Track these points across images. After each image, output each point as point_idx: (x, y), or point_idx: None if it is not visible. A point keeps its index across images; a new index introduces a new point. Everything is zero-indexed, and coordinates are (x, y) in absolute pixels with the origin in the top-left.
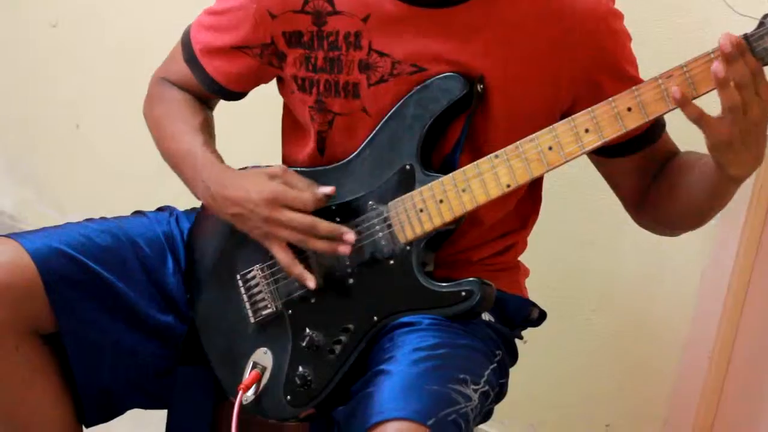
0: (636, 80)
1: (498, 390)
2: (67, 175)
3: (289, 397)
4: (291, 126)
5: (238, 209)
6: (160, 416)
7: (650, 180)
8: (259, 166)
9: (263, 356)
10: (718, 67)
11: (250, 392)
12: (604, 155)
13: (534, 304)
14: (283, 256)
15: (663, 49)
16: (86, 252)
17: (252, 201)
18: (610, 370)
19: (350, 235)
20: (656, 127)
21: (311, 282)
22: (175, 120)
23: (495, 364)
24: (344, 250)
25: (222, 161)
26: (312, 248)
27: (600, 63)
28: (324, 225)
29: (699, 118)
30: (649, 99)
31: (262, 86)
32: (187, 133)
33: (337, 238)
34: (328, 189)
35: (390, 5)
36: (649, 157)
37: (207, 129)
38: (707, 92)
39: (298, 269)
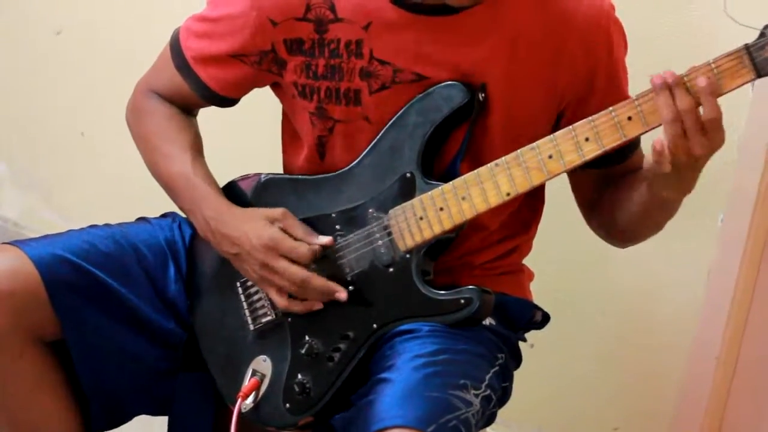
0: (624, 92)
1: (501, 393)
2: (72, 182)
3: (288, 404)
4: (290, 132)
5: (236, 250)
6: (164, 422)
7: (604, 190)
8: (259, 174)
9: (262, 364)
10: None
11: (249, 400)
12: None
13: (537, 307)
14: (279, 300)
15: (663, 60)
16: (89, 259)
17: (250, 245)
18: (617, 373)
19: (342, 294)
20: (627, 148)
21: (318, 307)
22: (167, 138)
23: (497, 368)
24: (341, 297)
25: (215, 184)
26: (292, 308)
27: (596, 72)
28: (316, 282)
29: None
30: (649, 108)
31: (264, 92)
32: (181, 155)
33: (329, 295)
34: (325, 240)
35: (391, 13)
36: (613, 173)
37: (198, 148)
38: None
39: (298, 307)
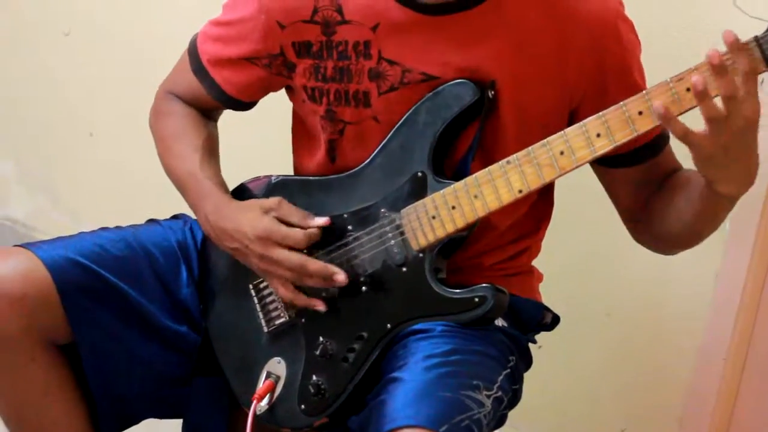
0: (641, 89)
1: (511, 395)
2: (81, 184)
3: (303, 406)
4: (301, 134)
5: (236, 244)
6: (173, 425)
7: (648, 195)
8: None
9: (277, 366)
10: (698, 79)
11: (264, 402)
12: (605, 165)
13: (547, 309)
14: (283, 292)
15: (673, 52)
16: (101, 262)
17: (247, 237)
18: (625, 375)
19: (340, 276)
20: (660, 139)
21: (321, 306)
22: (181, 139)
23: (508, 370)
24: (340, 279)
25: (223, 183)
26: (306, 285)
27: (606, 68)
28: (313, 266)
29: (684, 135)
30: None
31: (276, 94)
32: (192, 154)
33: (328, 277)
34: (321, 220)
35: (399, 13)
36: (650, 171)
37: (211, 148)
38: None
39: (302, 301)
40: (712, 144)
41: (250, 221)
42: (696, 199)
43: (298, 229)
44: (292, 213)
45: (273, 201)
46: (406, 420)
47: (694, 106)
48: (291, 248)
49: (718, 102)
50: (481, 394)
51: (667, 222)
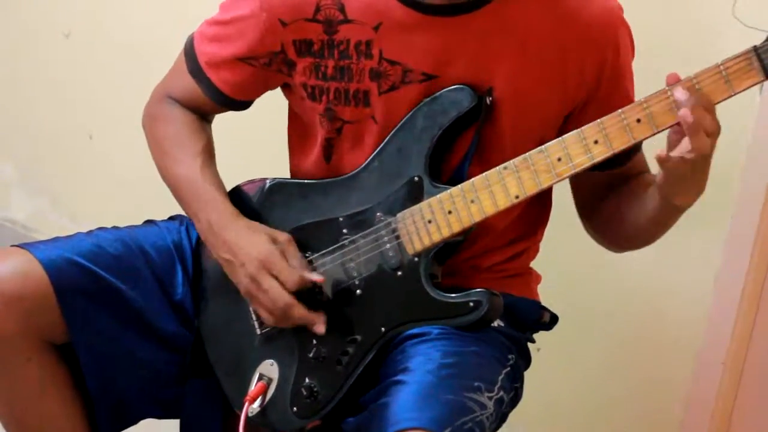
0: (629, 95)
1: (513, 394)
2: (80, 185)
3: (295, 408)
4: (297, 134)
5: (231, 257)
6: (170, 425)
7: (606, 195)
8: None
9: (269, 368)
10: (686, 113)
11: (256, 404)
12: None
13: (545, 308)
14: (266, 315)
15: (670, 62)
16: (98, 261)
17: (246, 255)
18: (624, 378)
19: (320, 327)
20: (630, 150)
21: (321, 328)
22: (180, 144)
23: (508, 368)
24: (320, 331)
25: (224, 191)
26: (280, 324)
27: (602, 73)
28: (297, 312)
29: (666, 162)
30: (658, 110)
31: (274, 95)
32: (191, 160)
33: (308, 326)
34: (317, 277)
35: (402, 13)
36: (614, 176)
37: (210, 154)
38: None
39: (287, 323)
40: (689, 168)
41: (255, 244)
42: (651, 208)
43: (295, 270)
44: (296, 256)
45: (284, 237)
46: (409, 422)
47: None
48: (281, 284)
49: None
50: (483, 396)
51: (621, 223)
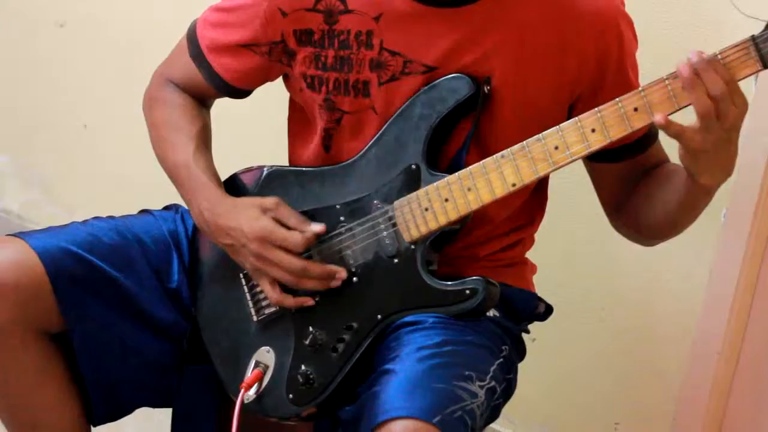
0: (633, 87)
1: (505, 386)
2: (75, 175)
3: (291, 395)
4: (297, 124)
5: (230, 240)
6: (165, 414)
7: (634, 188)
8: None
9: (265, 355)
10: (684, 66)
11: (252, 391)
12: (594, 159)
13: (540, 298)
14: (272, 293)
15: (669, 51)
16: (93, 250)
17: (244, 235)
18: (619, 369)
19: (342, 273)
20: (648, 137)
21: (309, 302)
22: (176, 128)
23: (501, 359)
24: (341, 277)
25: (216, 175)
26: (303, 288)
27: (605, 64)
28: (316, 269)
29: (677, 134)
30: (656, 99)
31: (272, 85)
32: (186, 145)
33: (330, 278)
34: (318, 227)
35: (402, 4)
36: (638, 166)
37: (205, 138)
38: None
39: (291, 302)
40: (703, 139)
41: (248, 220)
42: (679, 191)
43: (296, 233)
44: (290, 215)
45: (271, 201)
46: (399, 411)
47: (690, 104)
48: (288, 251)
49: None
50: (474, 385)
51: (650, 213)
